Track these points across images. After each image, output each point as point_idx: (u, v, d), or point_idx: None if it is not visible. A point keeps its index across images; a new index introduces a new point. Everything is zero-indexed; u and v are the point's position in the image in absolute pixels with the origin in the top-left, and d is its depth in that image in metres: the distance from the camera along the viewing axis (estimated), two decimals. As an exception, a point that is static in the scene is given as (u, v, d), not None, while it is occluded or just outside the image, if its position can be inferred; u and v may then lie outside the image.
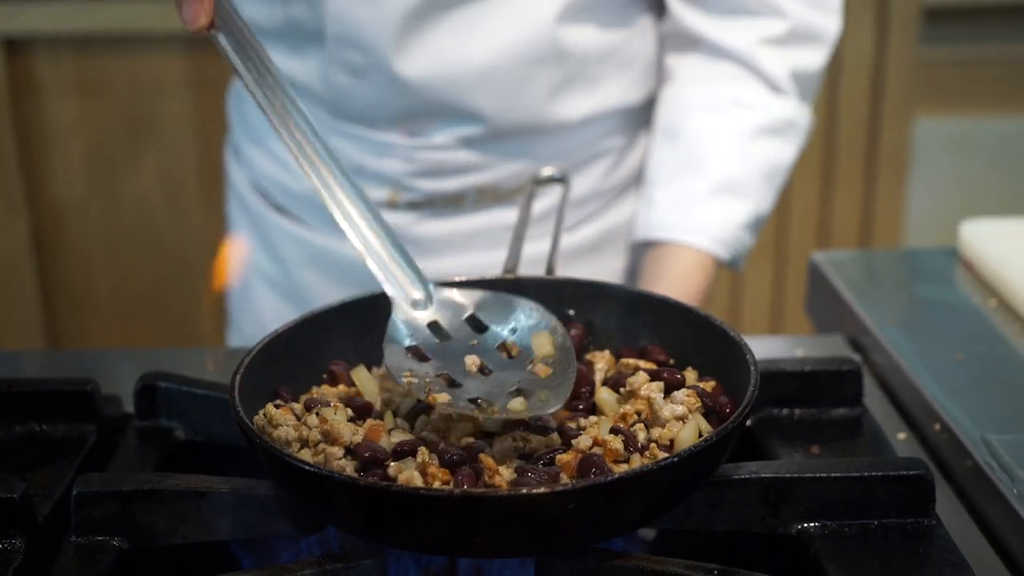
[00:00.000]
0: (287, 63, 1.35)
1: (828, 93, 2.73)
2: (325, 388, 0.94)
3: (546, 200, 1.35)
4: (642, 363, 0.94)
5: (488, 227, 1.39)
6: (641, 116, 1.44)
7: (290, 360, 0.94)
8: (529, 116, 1.34)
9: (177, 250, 2.75)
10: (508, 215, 1.36)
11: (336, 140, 1.36)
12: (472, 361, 0.91)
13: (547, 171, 1.20)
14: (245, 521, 0.85)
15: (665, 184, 1.35)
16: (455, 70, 1.30)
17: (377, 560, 0.80)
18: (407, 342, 0.92)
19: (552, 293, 1.01)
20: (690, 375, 0.93)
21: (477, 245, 1.40)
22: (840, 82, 2.72)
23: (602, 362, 0.96)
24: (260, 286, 1.51)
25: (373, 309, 0.96)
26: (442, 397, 0.86)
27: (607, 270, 1.45)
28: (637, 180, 1.47)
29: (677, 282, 1.27)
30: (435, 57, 1.30)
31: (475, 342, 0.93)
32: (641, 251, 1.37)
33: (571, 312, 1.01)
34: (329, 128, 1.36)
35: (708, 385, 0.91)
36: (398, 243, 0.93)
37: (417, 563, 0.88)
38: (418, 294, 0.93)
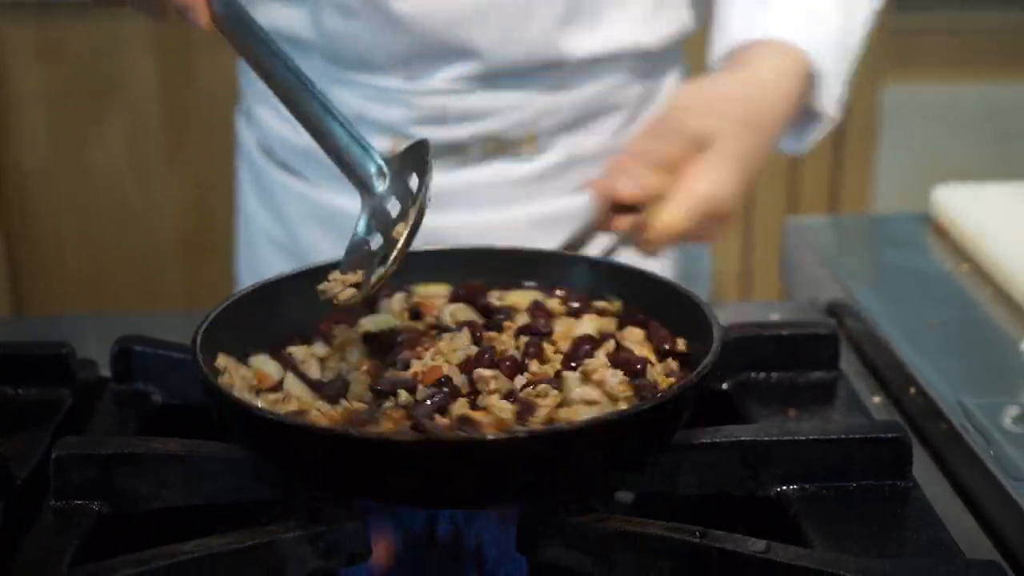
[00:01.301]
0: (279, 11, 1.33)
1: (798, 60, 2.73)
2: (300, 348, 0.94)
3: (553, 156, 1.32)
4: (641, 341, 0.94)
5: (493, 181, 1.35)
6: (658, 66, 1.39)
7: (260, 318, 0.94)
8: (530, 51, 1.29)
9: (144, 214, 2.73)
10: (514, 169, 1.33)
11: (336, 90, 1.32)
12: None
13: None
14: (226, 485, 0.85)
15: (741, 10, 1.23)
16: (451, 3, 1.26)
17: (360, 523, 0.80)
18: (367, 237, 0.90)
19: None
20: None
21: (482, 200, 1.35)
22: (810, 49, 2.72)
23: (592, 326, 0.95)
24: (265, 247, 1.50)
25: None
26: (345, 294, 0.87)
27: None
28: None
29: (771, 69, 1.14)
30: None
31: None
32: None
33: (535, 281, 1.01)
34: (327, 77, 1.33)
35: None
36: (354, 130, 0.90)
37: (398, 526, 0.88)
38: (379, 184, 0.90)
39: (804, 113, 1.26)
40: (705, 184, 1.06)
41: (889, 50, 2.76)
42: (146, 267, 2.77)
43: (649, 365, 0.88)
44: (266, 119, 1.45)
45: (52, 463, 0.84)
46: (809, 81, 1.20)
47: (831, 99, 1.24)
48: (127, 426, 0.96)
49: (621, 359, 0.88)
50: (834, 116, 1.26)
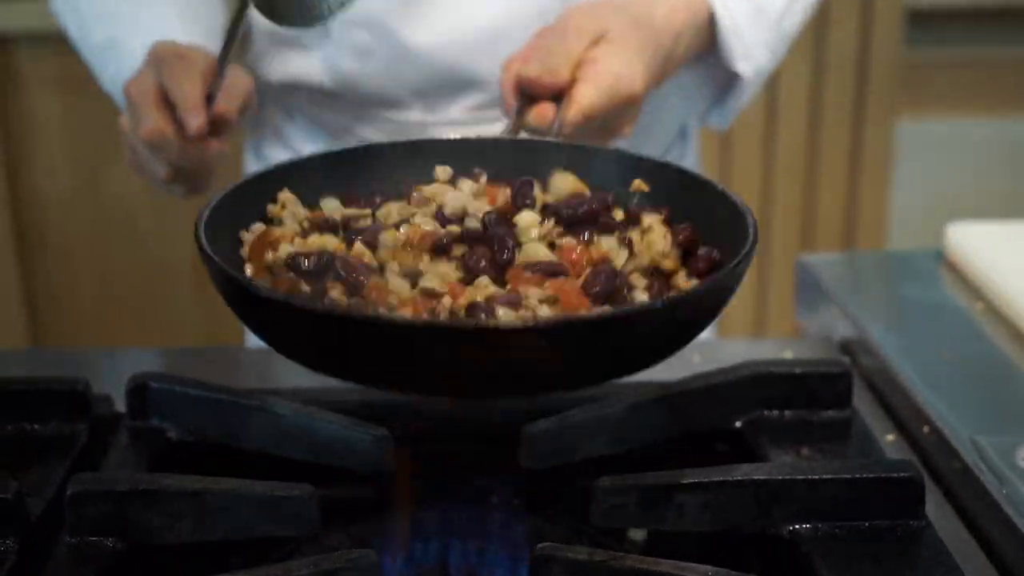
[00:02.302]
0: (296, 61, 1.35)
1: (811, 93, 2.74)
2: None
3: None
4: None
5: None
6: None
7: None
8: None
9: (160, 247, 2.74)
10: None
11: (359, 127, 1.35)
12: None
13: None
14: (240, 521, 0.85)
15: None
16: (462, 34, 1.28)
17: (372, 559, 0.81)
18: None
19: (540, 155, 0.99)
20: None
21: None
22: (824, 83, 2.73)
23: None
24: None
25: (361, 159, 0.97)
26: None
27: None
28: (663, 155, 1.43)
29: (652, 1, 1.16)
30: (441, 22, 1.28)
31: None
32: None
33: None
34: (349, 116, 1.35)
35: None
36: None
37: (409, 561, 0.88)
38: None
39: (725, 79, 1.27)
40: (613, 62, 1.07)
41: (903, 85, 2.77)
42: (162, 297, 2.78)
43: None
44: (277, 156, 1.46)
45: (67, 499, 0.84)
46: (711, 30, 1.22)
47: (747, 60, 1.25)
48: (142, 462, 0.96)
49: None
50: (752, 79, 1.27)
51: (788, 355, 1.21)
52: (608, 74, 1.07)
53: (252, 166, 1.54)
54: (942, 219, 1.42)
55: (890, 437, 1.07)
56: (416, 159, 0.98)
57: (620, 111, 1.10)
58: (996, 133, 2.87)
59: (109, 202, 2.70)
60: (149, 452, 0.97)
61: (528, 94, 1.08)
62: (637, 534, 1.01)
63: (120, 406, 1.04)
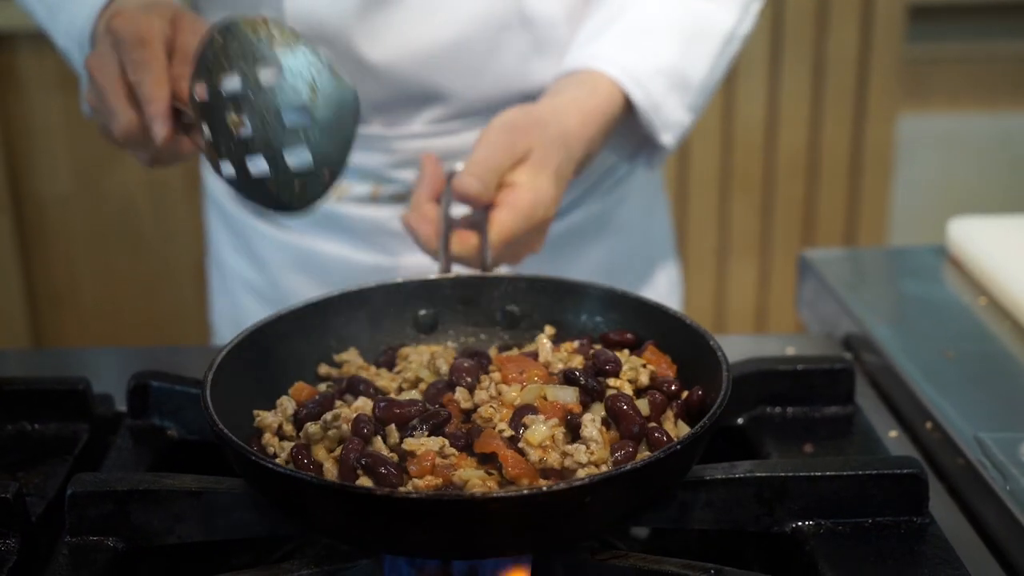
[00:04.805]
0: None
1: (813, 91, 2.74)
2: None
3: None
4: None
5: None
6: None
7: (268, 358, 0.94)
8: (502, 88, 1.32)
9: (161, 247, 2.74)
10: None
11: None
12: None
13: (460, 165, 1.19)
14: (240, 521, 0.85)
15: (580, 40, 1.30)
16: (422, 48, 1.29)
17: (373, 560, 0.80)
18: None
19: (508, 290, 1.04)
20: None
21: None
22: (825, 80, 2.73)
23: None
24: (244, 296, 1.49)
25: (347, 305, 1.00)
26: None
27: (593, 260, 1.43)
28: (617, 168, 1.45)
29: (576, 99, 1.21)
30: (401, 37, 1.28)
31: None
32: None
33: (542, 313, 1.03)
34: None
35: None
36: None
37: (411, 563, 0.87)
38: None
39: (645, 140, 1.30)
40: (532, 186, 1.12)
41: (905, 81, 2.77)
42: (163, 296, 2.79)
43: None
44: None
45: (68, 499, 0.84)
46: (626, 107, 1.25)
47: (668, 130, 1.28)
48: (143, 461, 0.96)
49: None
50: (674, 144, 1.29)
51: (790, 351, 1.20)
52: (526, 201, 1.11)
53: (211, 177, 1.50)
54: (944, 215, 1.42)
55: (893, 433, 1.06)
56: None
57: (534, 233, 1.13)
58: (998, 128, 2.87)
59: (110, 202, 2.71)
60: (150, 452, 0.97)
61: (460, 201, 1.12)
62: (640, 531, 1.01)
63: (121, 406, 1.03)
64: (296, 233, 1.41)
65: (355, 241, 1.39)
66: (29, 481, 0.93)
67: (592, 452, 0.82)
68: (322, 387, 0.95)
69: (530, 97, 1.32)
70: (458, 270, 1.07)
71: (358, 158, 1.33)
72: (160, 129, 1.02)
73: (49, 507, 0.90)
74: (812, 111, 2.75)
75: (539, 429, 0.84)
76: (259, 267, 1.46)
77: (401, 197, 1.35)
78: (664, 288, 1.54)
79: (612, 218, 1.46)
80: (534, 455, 0.82)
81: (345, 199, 1.37)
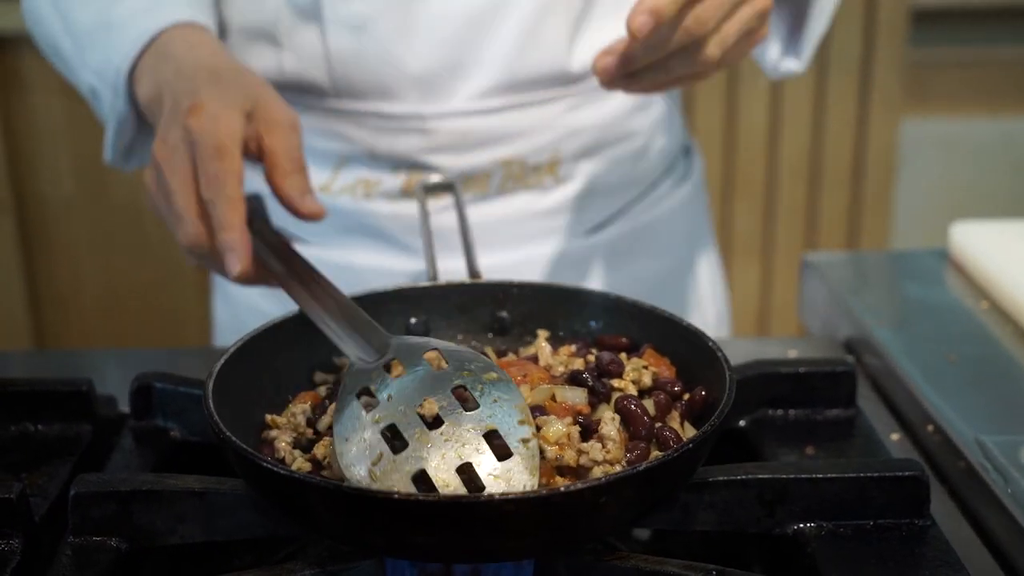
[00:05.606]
0: (276, 55, 1.28)
1: (816, 94, 2.74)
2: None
3: (574, 186, 1.31)
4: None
5: (514, 216, 1.31)
6: (668, 93, 1.38)
7: (270, 363, 0.95)
8: (545, 64, 1.27)
9: (164, 249, 2.74)
10: (537, 202, 1.30)
11: (345, 127, 1.29)
12: (429, 407, 0.84)
13: (435, 178, 1.17)
14: (243, 521, 0.85)
15: None
16: (473, 5, 1.23)
17: (375, 561, 0.81)
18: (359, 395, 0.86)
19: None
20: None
21: (503, 238, 1.31)
22: (828, 83, 2.73)
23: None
24: (246, 297, 1.43)
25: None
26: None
27: (633, 276, 1.38)
28: (669, 172, 1.43)
29: None
30: None
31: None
32: None
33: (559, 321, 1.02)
34: (337, 114, 1.29)
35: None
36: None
37: (413, 563, 0.88)
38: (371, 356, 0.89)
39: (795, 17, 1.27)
40: None
41: (908, 85, 2.77)
42: (166, 298, 2.79)
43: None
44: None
45: (71, 500, 0.84)
46: None
47: None
48: (146, 462, 0.96)
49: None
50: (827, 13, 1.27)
51: (792, 354, 1.20)
52: None
53: None
54: (946, 218, 1.42)
55: (895, 436, 1.07)
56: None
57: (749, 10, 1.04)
58: (1000, 132, 2.87)
59: (112, 204, 2.71)
60: (153, 452, 0.98)
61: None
62: (642, 532, 1.01)
63: (124, 407, 1.04)
64: (317, 247, 1.32)
65: (384, 245, 1.33)
66: (32, 481, 0.93)
67: (608, 450, 0.83)
68: (322, 391, 0.95)
69: (572, 80, 1.29)
70: (449, 277, 1.06)
71: (390, 143, 1.28)
72: (235, 264, 0.93)
73: (52, 507, 0.90)
74: (815, 114, 2.75)
75: (555, 426, 0.84)
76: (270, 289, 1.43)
77: (441, 188, 1.21)
78: (712, 317, 1.53)
79: (656, 233, 1.43)
80: (551, 452, 0.82)
81: (374, 194, 1.32)
